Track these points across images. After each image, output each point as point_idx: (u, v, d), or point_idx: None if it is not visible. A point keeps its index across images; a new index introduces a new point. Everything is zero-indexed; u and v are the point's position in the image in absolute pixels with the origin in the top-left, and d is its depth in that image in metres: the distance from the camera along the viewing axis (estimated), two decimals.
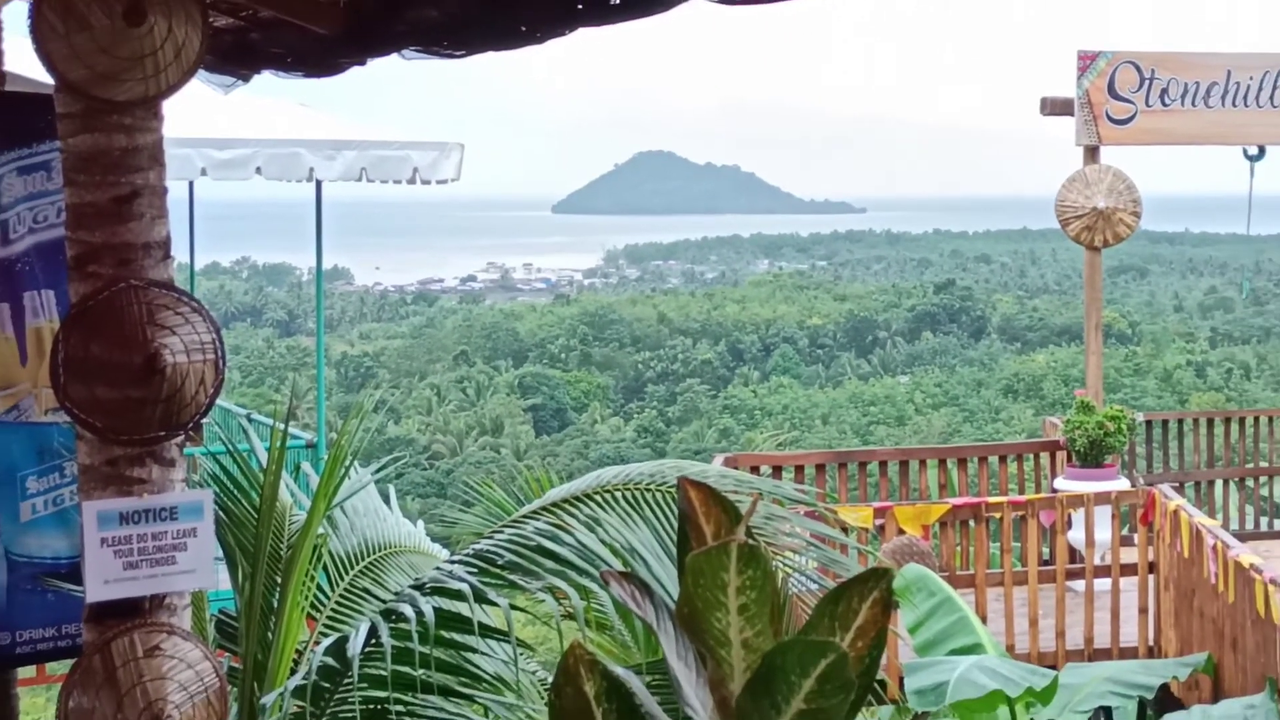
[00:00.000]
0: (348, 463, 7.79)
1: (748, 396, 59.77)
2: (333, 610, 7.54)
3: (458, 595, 6.49)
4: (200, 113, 11.17)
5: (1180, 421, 17.14)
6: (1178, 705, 10.83)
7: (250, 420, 13.14)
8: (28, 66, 6.00)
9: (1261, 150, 15.74)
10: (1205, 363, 57.92)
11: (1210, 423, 17.05)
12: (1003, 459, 15.60)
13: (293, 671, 6.60)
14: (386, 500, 8.70)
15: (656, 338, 67.05)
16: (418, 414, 57.56)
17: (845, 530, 10.80)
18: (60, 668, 6.24)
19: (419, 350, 67.87)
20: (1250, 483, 16.48)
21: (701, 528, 3.09)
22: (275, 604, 6.99)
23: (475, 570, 6.71)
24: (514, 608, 6.72)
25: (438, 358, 66.09)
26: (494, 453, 51.10)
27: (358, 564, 7.92)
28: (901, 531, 11.91)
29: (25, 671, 7.20)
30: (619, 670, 2.90)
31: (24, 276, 6.66)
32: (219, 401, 14.75)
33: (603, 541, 6.97)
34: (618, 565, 6.85)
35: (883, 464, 15.63)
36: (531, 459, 45.29)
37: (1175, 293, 73.49)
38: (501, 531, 7.17)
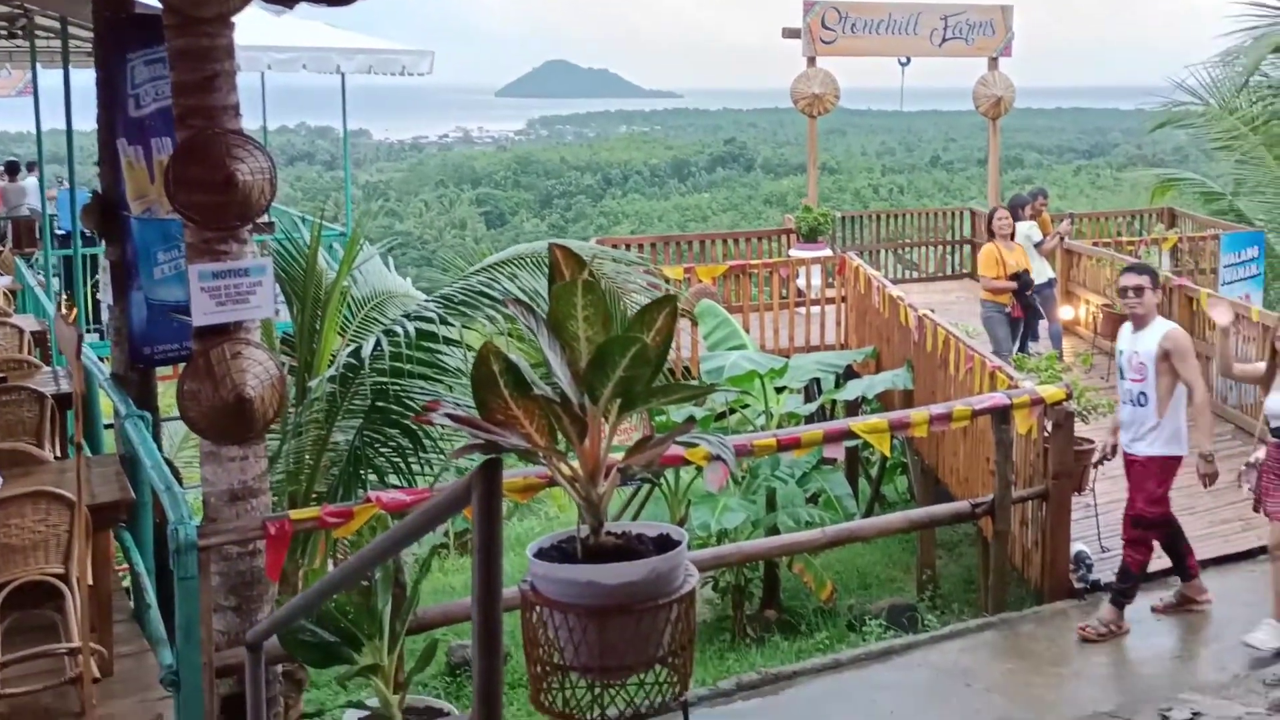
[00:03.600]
0: (362, 242, 7.56)
1: (613, 206, 59.46)
2: (354, 331, 7.34)
3: (430, 320, 6.38)
4: (266, 29, 10.82)
5: (862, 217, 17.18)
6: (856, 375, 11.01)
7: (304, 220, 12.69)
8: None
9: (908, 60, 15.67)
10: (878, 184, 58.07)
11: (878, 217, 17.12)
12: (760, 238, 15.57)
13: (329, 368, 6.45)
14: (387, 265, 8.46)
15: (559, 171, 66.17)
16: (414, 217, 56.50)
17: (666, 280, 10.69)
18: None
19: (413, 179, 66.50)
20: (900, 252, 16.61)
21: (564, 272, 2.94)
22: (318, 327, 6.79)
23: (441, 306, 6.58)
24: (465, 328, 6.62)
25: (425, 184, 64.77)
26: (460, 240, 50.36)
27: (369, 304, 7.68)
28: (700, 281, 11.85)
29: (163, 371, 6.99)
30: (513, 356, 2.75)
31: (151, 129, 6.42)
32: (289, 210, 14.25)
33: (519, 287, 6.85)
34: (528, 304, 6.72)
35: (690, 242, 15.50)
36: (483, 244, 44.81)
37: (861, 145, 73.24)
38: (457, 283, 7.00)
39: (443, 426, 6.98)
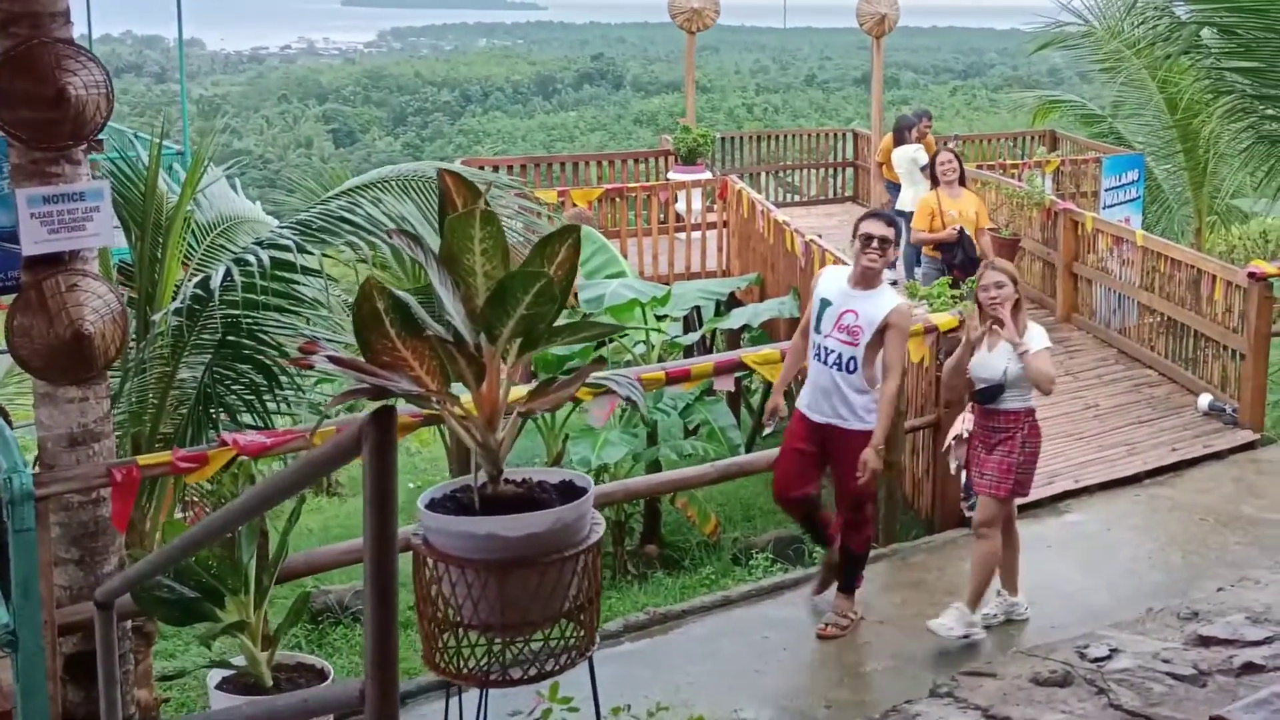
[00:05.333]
0: (206, 162, 7.22)
1: (473, 124, 58.42)
2: (199, 260, 7.05)
3: (286, 248, 6.14)
4: None
5: (741, 138, 17.12)
6: (740, 304, 11.05)
7: (137, 137, 12.04)
8: None
9: None
10: (752, 103, 58.31)
11: (758, 138, 17.11)
12: (636, 160, 15.43)
13: (173, 300, 6.15)
14: (234, 188, 8.12)
15: (413, 87, 64.60)
16: (254, 135, 54.55)
17: (541, 204, 10.51)
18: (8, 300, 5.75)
19: (253, 93, 64.25)
20: (780, 175, 16.67)
21: (455, 201, 2.82)
22: (159, 256, 6.47)
23: (297, 232, 6.33)
24: (325, 255, 6.41)
25: (266, 98, 62.55)
26: (307, 160, 48.92)
27: (215, 230, 7.37)
28: (575, 205, 11.69)
29: None
30: (400, 292, 2.62)
31: None
32: (118, 127, 13.50)
33: (384, 213, 6.63)
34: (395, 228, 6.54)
35: (562, 164, 15.25)
36: (332, 163, 43.61)
37: (735, 62, 73.22)
38: (315, 207, 6.75)
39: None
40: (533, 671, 2.67)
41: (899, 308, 5.51)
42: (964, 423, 5.75)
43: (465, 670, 2.66)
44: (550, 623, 2.67)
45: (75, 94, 4.78)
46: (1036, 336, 5.54)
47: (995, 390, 5.51)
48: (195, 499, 7.32)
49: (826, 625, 5.73)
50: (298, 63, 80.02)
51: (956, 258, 8.85)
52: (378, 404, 2.40)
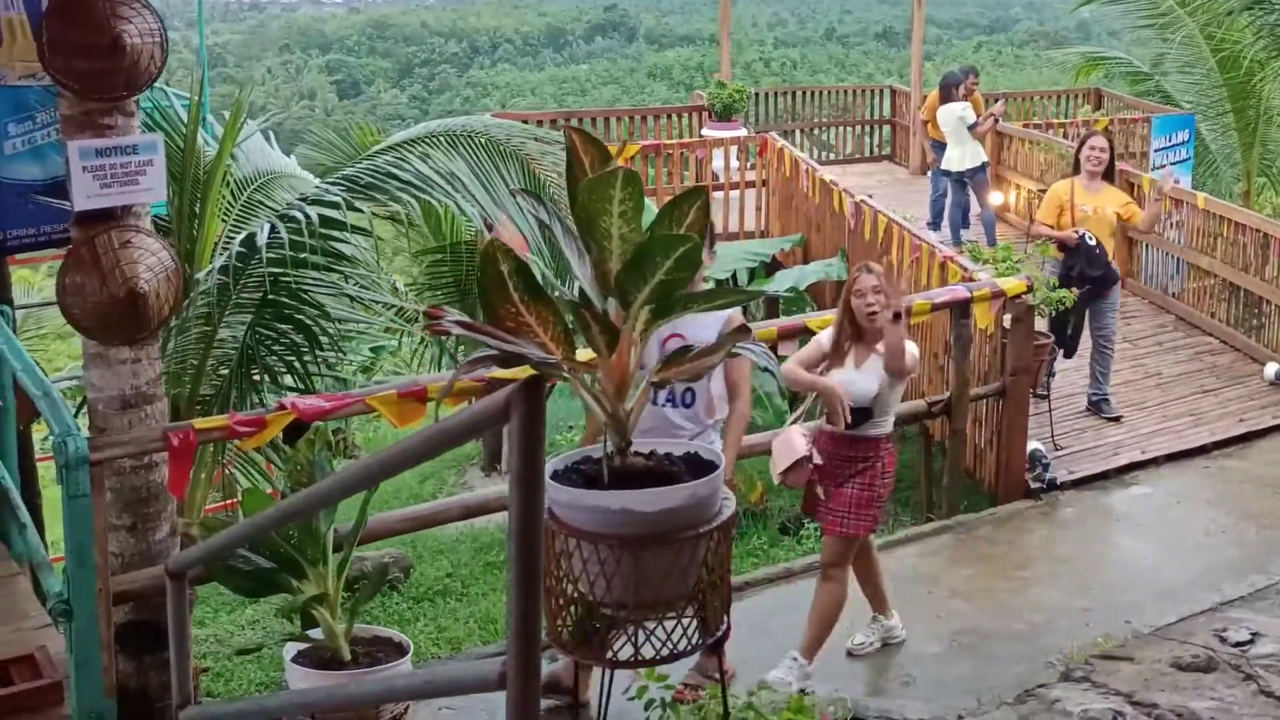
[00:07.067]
0: (244, 115, 7.18)
1: (481, 76, 58.15)
2: (237, 215, 7.03)
3: (334, 205, 6.09)
4: None
5: (776, 94, 16.88)
6: (781, 267, 10.95)
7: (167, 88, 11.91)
8: None
9: None
10: (770, 58, 57.95)
11: (791, 95, 16.90)
12: (668, 117, 15.22)
13: (213, 257, 6.10)
14: (269, 142, 8.08)
15: (420, 37, 64.17)
16: (257, 85, 54.31)
17: None
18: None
19: (254, 43, 63.91)
20: (815, 132, 16.48)
21: (582, 161, 2.75)
22: (197, 211, 6.41)
23: (344, 189, 6.28)
24: (374, 215, 6.38)
25: (268, 48, 62.26)
26: (310, 112, 48.80)
27: (252, 184, 7.33)
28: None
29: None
30: (526, 255, 2.54)
31: None
32: None
33: (433, 169, 6.56)
34: (445, 187, 6.47)
35: (593, 119, 15.05)
36: (336, 115, 43.51)
37: (751, 15, 72.48)
38: (361, 163, 6.70)
39: (339, 323, 6.82)
40: (665, 652, 2.62)
41: (734, 321, 4.54)
42: (807, 441, 4.85)
43: (600, 650, 2.61)
44: (683, 601, 2.62)
45: (130, 42, 4.69)
46: (912, 357, 4.80)
47: (861, 415, 4.74)
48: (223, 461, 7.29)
49: (684, 686, 4.75)
50: (300, 11, 79.41)
51: (1075, 268, 7.47)
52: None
